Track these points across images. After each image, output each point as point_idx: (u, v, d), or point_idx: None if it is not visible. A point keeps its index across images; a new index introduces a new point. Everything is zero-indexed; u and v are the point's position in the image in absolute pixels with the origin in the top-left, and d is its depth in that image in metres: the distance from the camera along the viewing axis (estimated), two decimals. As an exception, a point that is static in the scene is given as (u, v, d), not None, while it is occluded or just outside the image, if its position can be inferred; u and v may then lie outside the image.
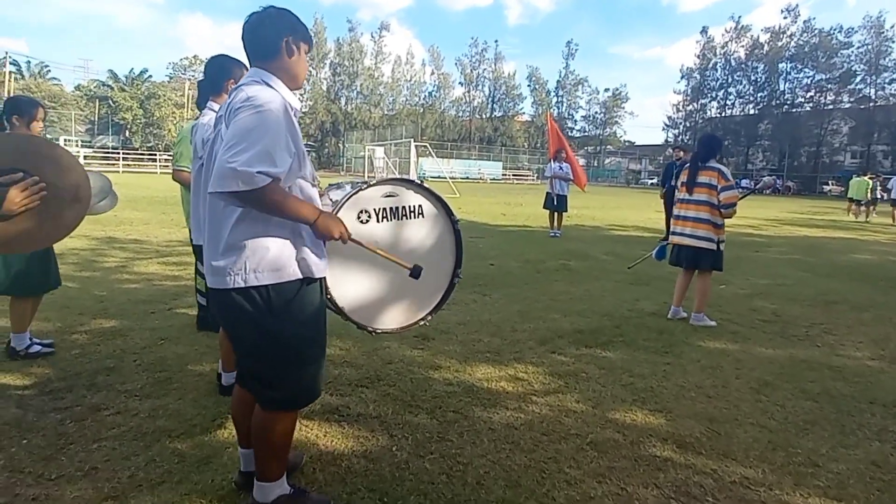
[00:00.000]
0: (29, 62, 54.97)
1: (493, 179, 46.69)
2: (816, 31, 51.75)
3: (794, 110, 53.66)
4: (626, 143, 69.80)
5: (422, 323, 2.33)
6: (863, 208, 18.40)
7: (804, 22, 52.92)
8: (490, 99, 67.90)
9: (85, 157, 36.69)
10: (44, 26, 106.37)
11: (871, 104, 49.30)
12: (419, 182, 2.35)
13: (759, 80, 56.44)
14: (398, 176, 2.33)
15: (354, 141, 52.73)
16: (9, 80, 43.87)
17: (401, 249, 2.22)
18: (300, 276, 1.69)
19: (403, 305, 2.28)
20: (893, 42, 48.16)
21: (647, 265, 6.95)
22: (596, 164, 65.79)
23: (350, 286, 2.13)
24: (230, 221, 1.61)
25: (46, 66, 56.51)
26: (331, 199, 2.18)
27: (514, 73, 68.56)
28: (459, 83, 66.83)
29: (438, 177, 34.07)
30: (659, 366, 3.46)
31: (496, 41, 71.29)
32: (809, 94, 52.93)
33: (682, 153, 9.87)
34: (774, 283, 6.30)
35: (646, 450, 2.43)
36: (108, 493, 1.99)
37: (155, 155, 38.91)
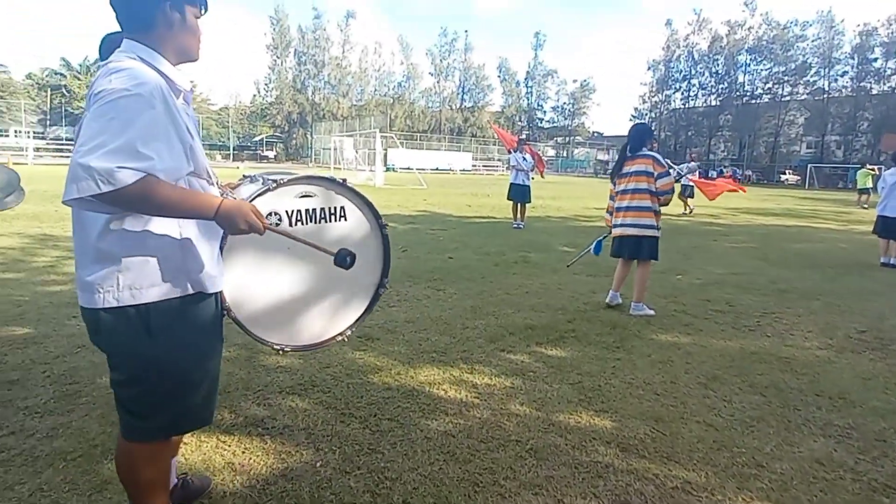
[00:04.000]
0: (-29, 49, 51.80)
1: (463, 171, 46.50)
2: (774, 24, 53.21)
3: (752, 101, 55.17)
4: (595, 134, 70.60)
5: (338, 339, 2.10)
6: (864, 196, 19.88)
7: (761, 15, 54.34)
8: (460, 89, 67.47)
9: (36, 150, 34.83)
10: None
11: (825, 96, 51.12)
12: (341, 181, 2.11)
13: (719, 71, 57.77)
14: (318, 174, 2.06)
15: (322, 132, 51.57)
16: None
17: (316, 257, 1.99)
18: (190, 291, 1.45)
19: (319, 318, 2.05)
20: (844, 35, 49.98)
21: (602, 257, 6.90)
22: (565, 155, 66.33)
23: (255, 298, 1.88)
24: (98, 228, 1.35)
25: (-10, 52, 53.32)
26: (234, 199, 1.94)
27: (485, 64, 68.35)
28: (429, 73, 66.20)
29: (407, 168, 33.71)
30: (609, 362, 3.36)
31: (466, 31, 70.71)
32: (767, 86, 54.48)
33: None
34: (730, 273, 6.34)
35: (588, 455, 2.31)
36: (-24, 532, 1.74)
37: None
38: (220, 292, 1.62)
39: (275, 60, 59.53)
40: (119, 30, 2.43)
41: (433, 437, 2.42)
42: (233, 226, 1.43)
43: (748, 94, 56.11)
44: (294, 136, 59.73)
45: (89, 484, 2.00)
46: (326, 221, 2.01)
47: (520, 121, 68.19)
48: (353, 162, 32.93)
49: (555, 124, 69.17)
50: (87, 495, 1.94)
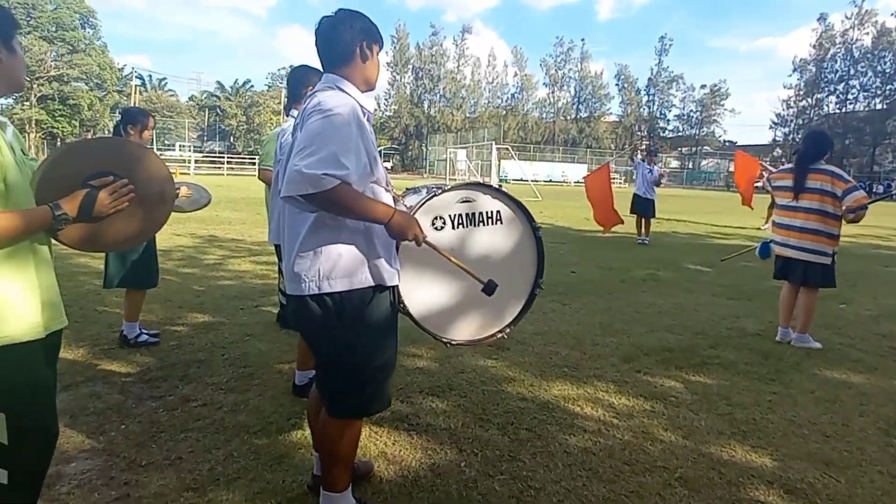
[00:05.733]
0: (150, 76, 61.96)
1: (578, 182, 45.27)
2: (964, 12, 44.69)
3: (932, 103, 46.78)
4: (727, 143, 64.70)
5: (498, 336, 2.21)
6: None
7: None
8: (575, 99, 65.98)
9: (196, 162, 40.46)
10: (163, 43, 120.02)
11: None
12: (497, 187, 2.24)
13: (886, 71, 49.87)
14: (475, 180, 2.20)
15: (437, 144, 53.55)
16: (135, 93, 49.55)
17: (476, 257, 2.12)
18: (372, 284, 1.66)
19: (479, 316, 2.18)
20: None
21: (752, 277, 6.31)
22: (691, 167, 61.61)
23: (423, 294, 2.06)
24: (304, 227, 1.61)
25: (164, 79, 63.44)
26: (405, 205, 2.13)
27: (602, 72, 66.29)
28: (543, 84, 65.62)
29: (520, 180, 33.67)
30: (764, 395, 3.07)
31: (583, 39, 69.17)
32: (953, 85, 45.89)
33: None
34: (908, 304, 5.44)
35: (747, 492, 2.14)
36: (188, 484, 2.08)
37: (255, 159, 41.83)
38: (396, 287, 1.80)
39: (394, 77, 63.07)
40: (301, 64, 2.81)
41: (573, 452, 2.40)
42: (400, 234, 1.62)
43: (925, 94, 47.70)
44: (410, 147, 62.63)
45: (269, 455, 2.29)
46: (484, 224, 2.15)
47: (639, 130, 64.84)
48: (465, 172, 33.76)
49: (679, 133, 64.64)
50: (268, 465, 2.22)
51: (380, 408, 1.84)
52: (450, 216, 2.09)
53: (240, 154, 49.23)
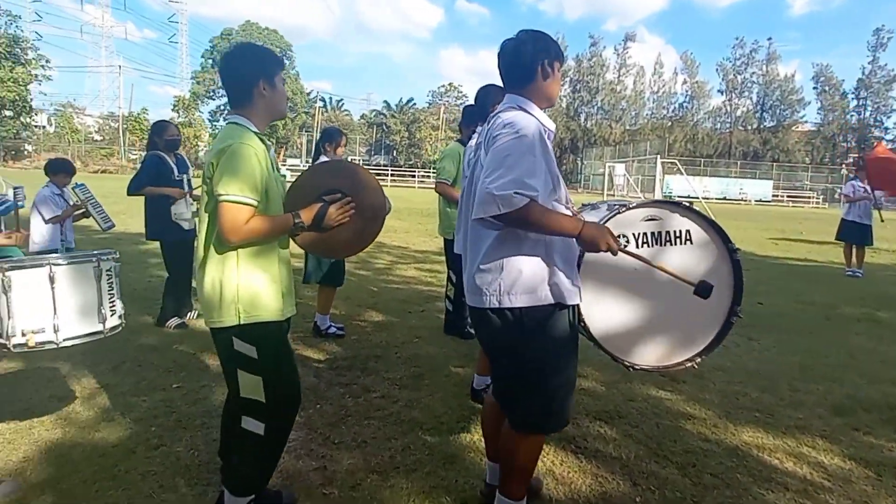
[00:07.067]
0: (331, 98, 70.65)
1: (759, 201, 39.88)
2: None
3: None
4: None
5: (687, 364, 2.04)
6: None
7: None
8: (758, 107, 58.28)
9: (365, 174, 44.73)
10: (342, 68, 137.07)
11: None
12: (687, 204, 2.09)
13: None
14: (662, 198, 2.09)
15: (593, 158, 51.76)
16: (318, 114, 57.07)
17: (664, 280, 1.98)
18: (552, 301, 1.65)
19: (666, 341, 2.03)
20: None
21: None
22: (917, 184, 49.92)
23: (605, 313, 1.99)
24: (487, 243, 1.66)
25: (341, 100, 71.87)
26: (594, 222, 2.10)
27: (794, 75, 57.32)
28: (718, 91, 59.21)
29: (688, 197, 30.82)
30: None
31: (769, 39, 60.12)
32: None
33: None
34: None
35: None
36: (373, 467, 2.28)
37: (414, 171, 45.01)
38: (577, 306, 1.77)
39: (552, 90, 62.36)
40: (488, 83, 2.92)
41: (773, 511, 2.09)
42: (593, 245, 1.58)
43: None
44: (565, 161, 61.39)
45: (442, 453, 2.41)
46: (671, 244, 2.03)
47: (844, 141, 54.79)
48: (623, 187, 31.98)
49: (902, 144, 52.98)
50: (440, 463, 2.33)
51: (557, 426, 1.82)
52: (633, 234, 2.01)
53: (401, 167, 53.34)
